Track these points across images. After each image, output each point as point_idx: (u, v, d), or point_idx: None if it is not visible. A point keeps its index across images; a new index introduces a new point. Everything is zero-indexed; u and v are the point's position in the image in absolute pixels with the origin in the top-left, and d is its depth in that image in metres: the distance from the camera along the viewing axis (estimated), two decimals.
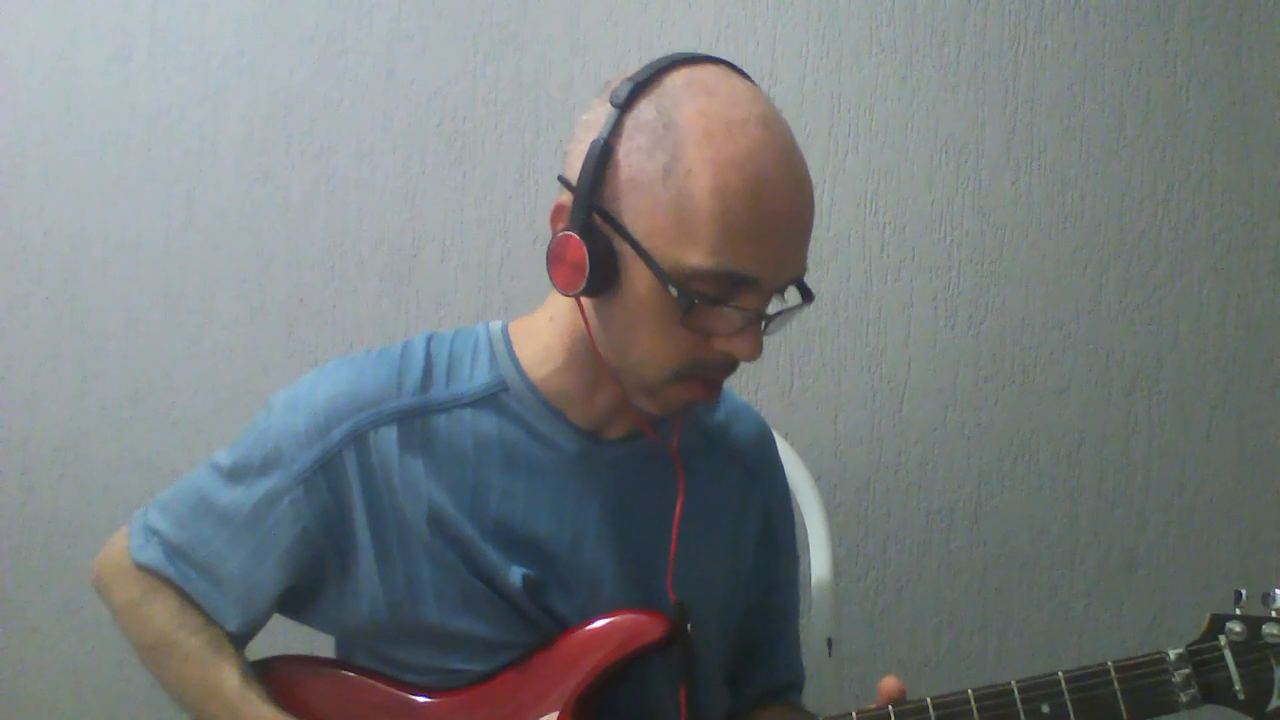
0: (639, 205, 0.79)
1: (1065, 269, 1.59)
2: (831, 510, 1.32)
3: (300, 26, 1.57)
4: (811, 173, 0.83)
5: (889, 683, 0.86)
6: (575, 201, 0.81)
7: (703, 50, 0.86)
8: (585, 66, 1.57)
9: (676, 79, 0.81)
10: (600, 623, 0.91)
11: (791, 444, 1.31)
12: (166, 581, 0.95)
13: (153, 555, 0.95)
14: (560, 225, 0.83)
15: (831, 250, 1.58)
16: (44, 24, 1.55)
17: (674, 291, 0.78)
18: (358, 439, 0.90)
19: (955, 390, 1.59)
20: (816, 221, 1.58)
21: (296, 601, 0.96)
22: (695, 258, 0.78)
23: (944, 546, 1.59)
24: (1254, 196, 1.60)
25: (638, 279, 0.80)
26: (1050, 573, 1.59)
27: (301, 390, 0.94)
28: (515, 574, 0.90)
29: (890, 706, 0.85)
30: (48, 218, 1.56)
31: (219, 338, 1.56)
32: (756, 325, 0.82)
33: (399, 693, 0.94)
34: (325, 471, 0.90)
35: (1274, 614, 0.83)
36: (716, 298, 0.80)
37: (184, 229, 1.56)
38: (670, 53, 0.84)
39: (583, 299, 0.84)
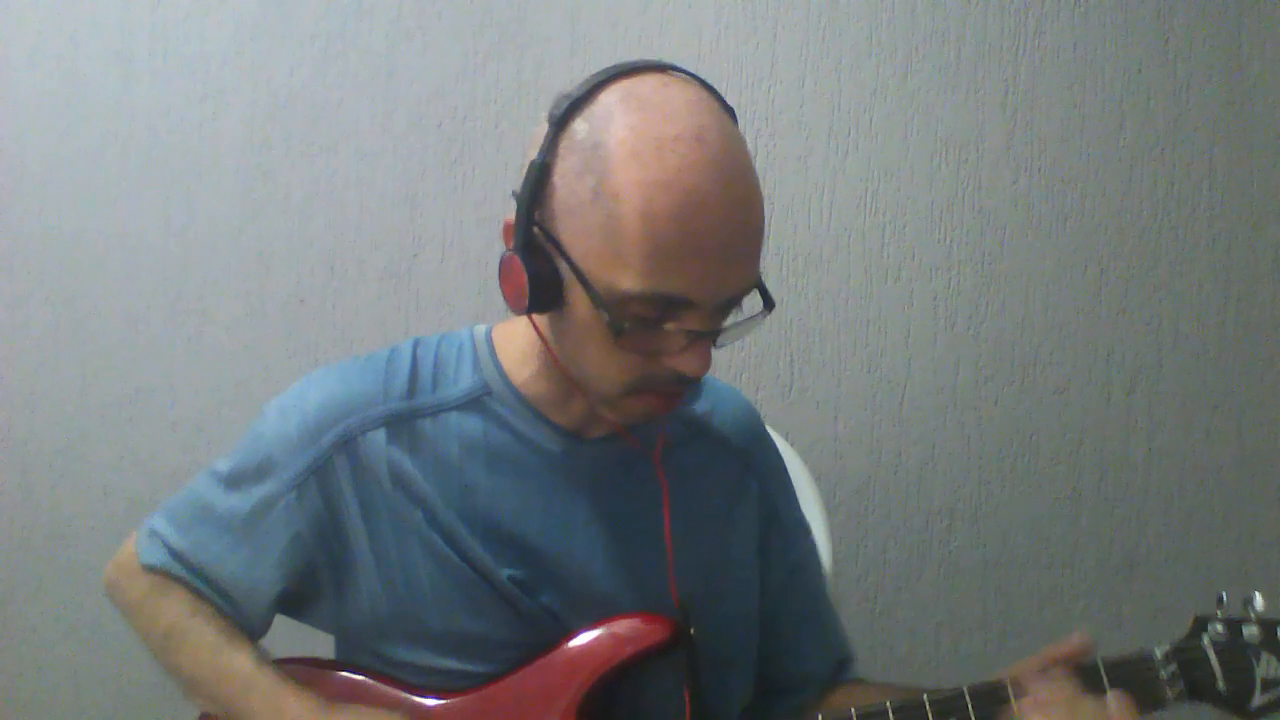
0: (573, 228, 0.79)
1: (1065, 269, 1.59)
2: (831, 510, 1.33)
3: (300, 26, 1.57)
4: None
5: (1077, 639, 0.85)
6: (516, 221, 0.82)
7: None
8: (585, 66, 1.55)
9: (611, 94, 0.79)
10: (604, 626, 0.92)
11: (791, 444, 1.31)
12: (176, 579, 0.97)
13: (159, 557, 0.97)
14: (510, 244, 0.84)
15: (831, 250, 1.58)
16: (44, 24, 1.55)
17: (605, 317, 0.78)
18: (348, 443, 0.92)
19: (955, 390, 1.59)
20: (817, 221, 1.59)
21: (296, 603, 0.97)
22: (626, 281, 0.77)
23: (944, 546, 1.59)
24: (1254, 196, 1.60)
25: (579, 299, 0.80)
26: (1050, 573, 1.60)
27: (292, 397, 0.95)
28: (504, 576, 0.91)
29: (888, 702, 0.86)
30: (48, 218, 1.56)
31: (219, 338, 1.56)
32: (703, 341, 0.81)
33: (401, 694, 0.94)
34: (317, 477, 0.92)
35: (1253, 616, 0.85)
36: (652, 319, 0.79)
37: (184, 229, 1.56)
38: (615, 64, 0.82)
39: (537, 314, 0.85)
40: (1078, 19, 1.59)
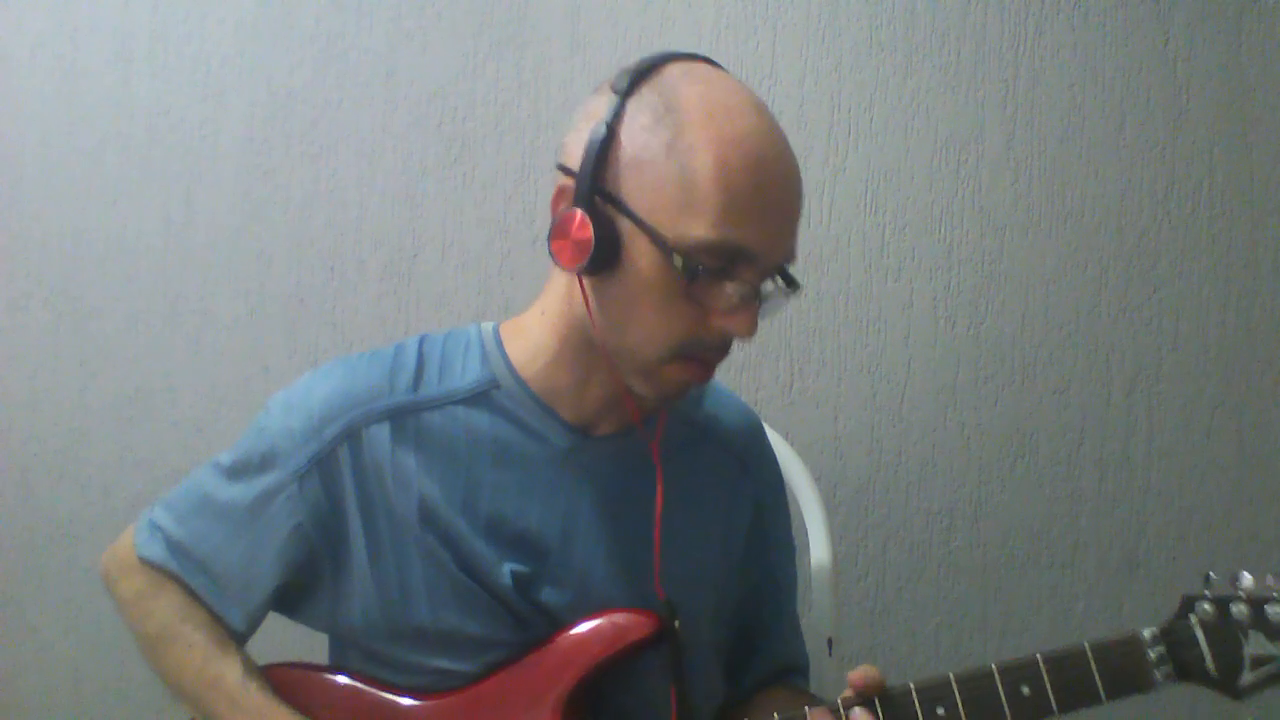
0: (642, 182, 0.82)
1: (1065, 269, 1.59)
2: (831, 510, 1.32)
3: (300, 26, 1.57)
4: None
5: (865, 672, 0.86)
6: (578, 183, 0.83)
7: (702, 50, 0.88)
8: (585, 66, 1.57)
9: (673, 70, 0.85)
10: (590, 622, 0.92)
11: (791, 444, 1.31)
12: (171, 576, 0.97)
13: (156, 551, 0.97)
14: (563, 206, 0.85)
15: (831, 250, 1.58)
16: (44, 24, 1.55)
17: (679, 261, 0.81)
18: (351, 437, 0.92)
19: (955, 390, 1.59)
20: (817, 221, 1.59)
21: (292, 599, 0.97)
22: (699, 229, 0.80)
23: (944, 546, 1.59)
24: (1254, 196, 1.60)
25: (639, 256, 0.82)
26: (1050, 573, 1.60)
27: (297, 391, 0.96)
28: (506, 570, 0.91)
29: (874, 695, 0.86)
30: (48, 218, 1.56)
31: (219, 338, 1.56)
32: (753, 303, 0.84)
33: (390, 696, 0.94)
34: (320, 469, 0.92)
35: (1241, 594, 0.85)
36: (718, 269, 0.82)
37: (184, 229, 1.56)
38: (663, 51, 0.88)
39: (582, 280, 0.86)
40: (1078, 19, 1.59)
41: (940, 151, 1.59)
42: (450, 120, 1.57)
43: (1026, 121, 1.59)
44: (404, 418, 0.92)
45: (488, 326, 0.98)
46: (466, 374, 0.94)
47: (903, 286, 1.59)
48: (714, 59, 0.88)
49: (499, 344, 0.95)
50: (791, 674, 1.08)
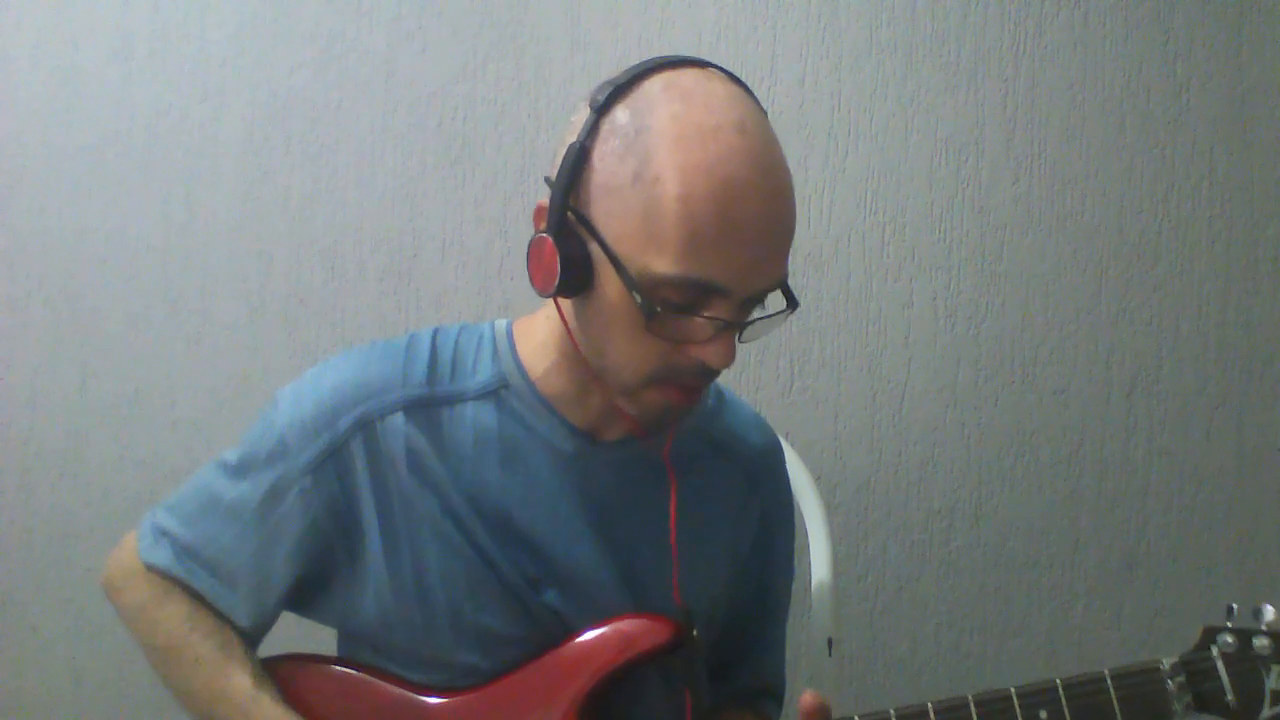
0: (610, 209, 0.79)
1: (1065, 269, 1.60)
2: (831, 510, 1.32)
3: (300, 26, 1.57)
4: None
5: (807, 699, 0.86)
6: (551, 203, 0.82)
7: (703, 51, 0.86)
8: (585, 66, 1.57)
9: (655, 83, 0.80)
10: (606, 627, 0.91)
11: (791, 444, 1.31)
12: (177, 583, 0.95)
13: (162, 556, 0.96)
14: (541, 226, 0.84)
15: (831, 250, 1.58)
16: (44, 24, 1.55)
17: (638, 299, 0.78)
18: (365, 427, 0.91)
19: (955, 390, 1.59)
20: (817, 221, 1.58)
21: (305, 594, 0.96)
22: (661, 265, 0.77)
23: (944, 546, 1.59)
24: (1254, 196, 1.60)
25: (609, 283, 0.80)
26: (1050, 573, 1.60)
27: (306, 383, 0.94)
28: (516, 566, 0.90)
29: (891, 710, 0.86)
30: (48, 218, 1.56)
31: (219, 338, 1.56)
32: (729, 333, 0.81)
33: (403, 692, 0.94)
34: (333, 461, 0.91)
35: (1264, 628, 0.85)
36: (683, 305, 0.79)
37: (184, 229, 1.56)
38: (656, 56, 0.84)
39: (562, 300, 0.85)
40: (1078, 19, 1.59)
41: (940, 151, 1.59)
42: (450, 120, 1.57)
43: (1026, 121, 1.59)
44: (417, 411, 0.91)
45: (501, 324, 0.97)
46: (478, 372, 0.94)
47: (903, 286, 1.59)
48: (714, 60, 0.85)
49: (511, 343, 0.94)
50: (765, 698, 1.07)
